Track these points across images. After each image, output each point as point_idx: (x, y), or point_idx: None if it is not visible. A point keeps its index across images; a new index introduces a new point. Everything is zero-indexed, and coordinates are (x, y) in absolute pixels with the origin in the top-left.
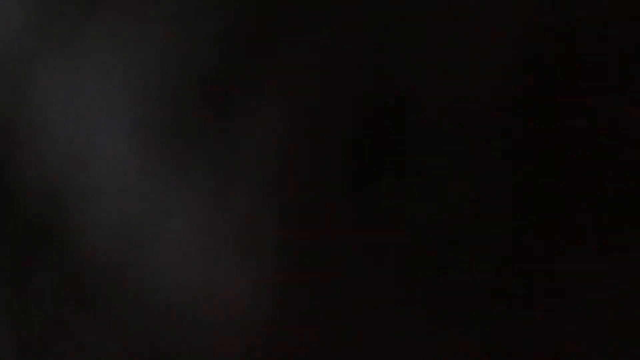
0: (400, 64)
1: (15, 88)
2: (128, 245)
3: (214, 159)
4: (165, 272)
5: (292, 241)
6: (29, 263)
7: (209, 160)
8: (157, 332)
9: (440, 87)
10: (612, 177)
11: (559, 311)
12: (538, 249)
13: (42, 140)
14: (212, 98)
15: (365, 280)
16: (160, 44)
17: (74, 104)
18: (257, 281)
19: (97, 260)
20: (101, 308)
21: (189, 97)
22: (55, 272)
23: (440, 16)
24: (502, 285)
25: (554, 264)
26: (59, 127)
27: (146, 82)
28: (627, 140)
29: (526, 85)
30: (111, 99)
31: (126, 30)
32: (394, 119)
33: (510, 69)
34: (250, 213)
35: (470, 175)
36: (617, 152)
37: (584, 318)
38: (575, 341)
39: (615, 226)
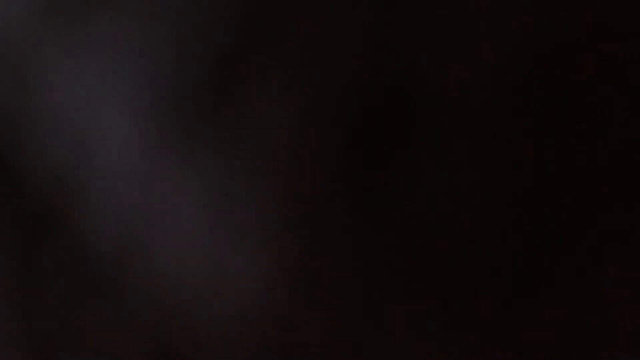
0: (404, 48)
1: (21, 76)
2: (135, 234)
3: (220, 146)
4: (173, 260)
5: (300, 228)
6: (36, 252)
7: (214, 148)
8: (165, 321)
9: (446, 71)
10: (614, 172)
11: (561, 310)
12: (544, 247)
13: (48, 128)
14: (216, 86)
15: (375, 267)
16: (165, 33)
17: (80, 92)
18: (266, 268)
19: (103, 250)
20: (107, 297)
21: (194, 85)
22: (62, 261)
23: (445, 4)
24: (508, 281)
25: (559, 262)
26: (65, 115)
27: (151, 71)
28: (630, 137)
29: (530, 74)
30: (117, 87)
31: (132, 19)
32: (401, 104)
33: (518, 52)
34: (257, 201)
35: (477, 162)
36: (618, 148)
37: (586, 317)
38: (576, 340)
39: (619, 224)
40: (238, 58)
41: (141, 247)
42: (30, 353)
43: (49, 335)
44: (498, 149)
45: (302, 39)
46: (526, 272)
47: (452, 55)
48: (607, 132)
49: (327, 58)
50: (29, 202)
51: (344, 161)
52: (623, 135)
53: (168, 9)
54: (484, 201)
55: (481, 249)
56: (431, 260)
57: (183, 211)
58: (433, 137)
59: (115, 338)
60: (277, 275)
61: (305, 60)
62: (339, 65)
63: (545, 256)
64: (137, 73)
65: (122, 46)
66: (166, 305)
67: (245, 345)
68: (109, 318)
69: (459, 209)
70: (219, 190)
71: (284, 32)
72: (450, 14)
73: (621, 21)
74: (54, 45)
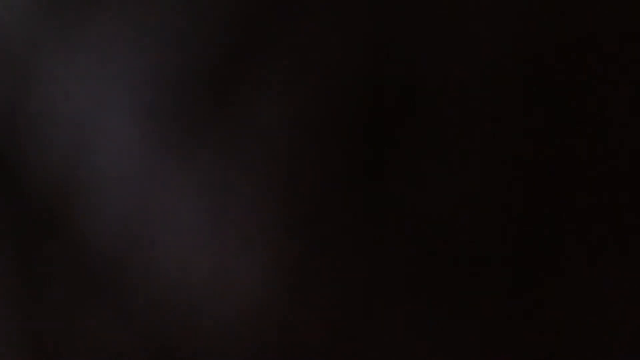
0: (405, 48)
1: (19, 76)
2: (134, 235)
3: (220, 147)
4: (173, 261)
5: (300, 229)
6: (36, 252)
7: (214, 149)
8: (165, 322)
9: (446, 71)
10: (613, 172)
11: (560, 309)
12: (543, 244)
13: (47, 128)
14: (216, 86)
15: (375, 268)
16: (165, 34)
17: (79, 92)
18: (267, 269)
19: (103, 250)
20: (108, 298)
21: (194, 86)
22: (61, 261)
23: (445, 3)
24: (507, 281)
25: (559, 262)
26: (64, 115)
27: (151, 71)
28: (628, 136)
29: (531, 73)
30: (116, 88)
31: (132, 20)
32: (401, 103)
33: (519, 52)
34: (258, 201)
35: (477, 161)
36: (618, 147)
37: (586, 316)
38: (576, 340)
39: (618, 223)
40: (238, 58)
41: (141, 248)
42: (30, 353)
43: (49, 335)
44: (498, 148)
45: (303, 39)
46: (526, 271)
47: (452, 54)
48: (607, 132)
49: (327, 58)
50: (29, 202)
51: (344, 161)
52: (623, 135)
53: (168, 9)
54: (484, 200)
55: (481, 249)
56: (431, 260)
57: (183, 211)
58: (433, 137)
59: (115, 338)
60: (277, 276)
61: (305, 60)
62: (339, 65)
63: (545, 256)
64: (137, 73)
65: (122, 46)
66: (166, 305)
67: (245, 345)
68: (109, 318)
69: (459, 208)
70: (219, 190)
71: (284, 32)
72: (450, 14)
73: (621, 21)
74: (54, 45)
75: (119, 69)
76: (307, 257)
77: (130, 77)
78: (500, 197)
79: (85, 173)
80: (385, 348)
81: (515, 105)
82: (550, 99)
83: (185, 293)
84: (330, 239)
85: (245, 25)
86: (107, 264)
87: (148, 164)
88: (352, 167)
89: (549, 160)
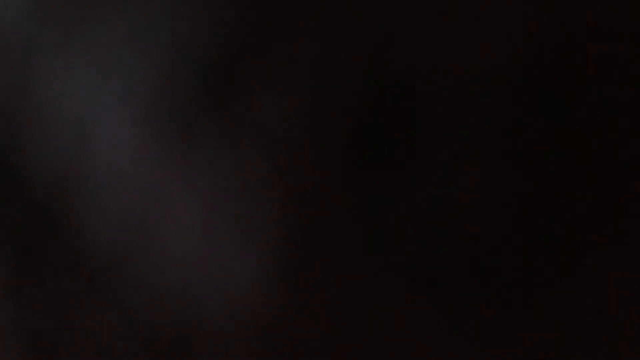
0: (405, 48)
1: (19, 77)
2: (133, 232)
3: (219, 146)
4: (171, 258)
5: (297, 224)
6: (35, 251)
7: (213, 148)
8: (163, 318)
9: (446, 71)
10: (612, 172)
11: (560, 309)
12: (543, 244)
13: (47, 128)
14: (216, 85)
15: (374, 266)
16: (162, 35)
17: (78, 92)
18: (263, 265)
19: (102, 247)
20: (107, 295)
21: (194, 85)
22: (60, 259)
23: (445, 3)
24: (507, 280)
25: (559, 263)
26: (65, 115)
27: (149, 71)
28: (627, 136)
29: (531, 73)
30: (114, 88)
31: (131, 20)
32: (401, 102)
33: (519, 51)
34: (255, 198)
35: (477, 161)
36: (617, 147)
37: (586, 317)
38: (576, 340)
39: (616, 222)
40: (238, 58)
41: (140, 247)
42: (29, 352)
43: (49, 334)
44: (498, 148)
45: (302, 39)
46: (526, 272)
47: (453, 54)
48: (607, 131)
49: (327, 57)
50: (29, 202)
51: (344, 160)
52: (623, 135)
53: (168, 9)
54: (484, 200)
55: (481, 249)
56: (431, 260)
57: (182, 210)
58: (433, 136)
59: (115, 337)
60: (276, 274)
61: (305, 60)
62: (338, 65)
63: (545, 256)
64: (136, 73)
65: (122, 46)
66: (166, 304)
67: (245, 343)
68: (108, 317)
69: (459, 208)
70: (219, 189)
71: (284, 32)
72: (451, 13)
73: (621, 21)
74: (54, 45)
75: (118, 69)
76: (306, 255)
77: (130, 77)
78: (500, 198)
79: (85, 172)
80: (385, 348)
81: (515, 105)
82: (551, 99)
83: (185, 291)
84: (329, 237)
85: (245, 25)
86: (106, 264)
87: (147, 163)
88: (352, 167)
89: (549, 160)
